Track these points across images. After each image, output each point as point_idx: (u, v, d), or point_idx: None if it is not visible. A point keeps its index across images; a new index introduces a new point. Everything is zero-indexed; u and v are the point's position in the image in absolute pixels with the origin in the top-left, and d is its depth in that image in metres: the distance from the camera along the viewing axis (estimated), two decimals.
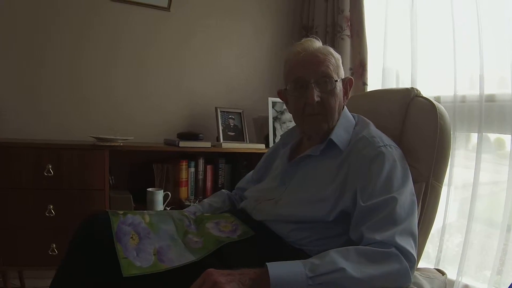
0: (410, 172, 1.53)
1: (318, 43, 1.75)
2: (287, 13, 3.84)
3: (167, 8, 3.47)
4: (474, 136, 2.45)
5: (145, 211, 1.81)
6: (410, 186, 1.49)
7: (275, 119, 3.34)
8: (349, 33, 3.32)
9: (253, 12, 3.74)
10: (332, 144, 1.62)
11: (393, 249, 1.28)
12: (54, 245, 2.68)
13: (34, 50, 3.18)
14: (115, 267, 1.43)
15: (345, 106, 1.76)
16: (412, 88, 1.86)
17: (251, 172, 2.21)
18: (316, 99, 1.61)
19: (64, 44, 3.24)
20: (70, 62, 3.27)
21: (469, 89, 2.49)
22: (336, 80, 1.65)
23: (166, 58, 3.51)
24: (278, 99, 3.16)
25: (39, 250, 2.67)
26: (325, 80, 1.63)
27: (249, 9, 3.73)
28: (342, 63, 1.75)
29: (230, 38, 3.69)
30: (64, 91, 3.26)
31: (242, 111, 3.45)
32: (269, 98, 3.35)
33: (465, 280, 2.41)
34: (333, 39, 3.39)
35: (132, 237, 1.56)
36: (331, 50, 1.72)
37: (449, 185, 2.48)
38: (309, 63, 1.66)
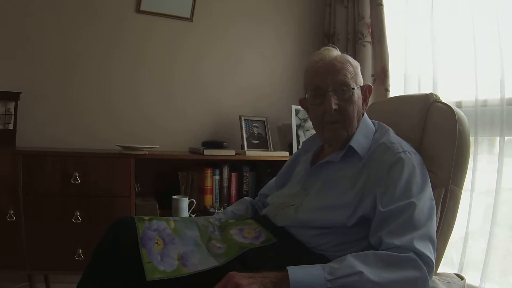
0: (429, 178, 1.53)
1: (336, 52, 1.77)
2: (309, 21, 3.86)
3: (190, 19, 3.53)
4: (497, 141, 2.42)
5: (170, 217, 1.85)
6: (429, 191, 1.49)
7: (298, 126, 3.35)
8: (370, 40, 3.32)
9: (275, 20, 3.78)
10: (351, 151, 1.63)
11: (412, 254, 1.29)
12: (80, 251, 2.74)
13: (64, 61, 3.29)
14: (139, 271, 1.47)
15: (364, 113, 1.77)
16: (431, 93, 1.85)
17: (274, 179, 2.22)
18: (334, 107, 1.63)
19: (92, 55, 3.35)
20: (98, 72, 3.37)
21: (490, 93, 2.46)
22: (353, 88, 1.66)
23: (190, 67, 3.57)
24: (301, 107, 3.21)
25: (66, 255, 2.74)
26: (343, 88, 1.65)
27: (271, 17, 3.77)
28: (364, 69, 1.78)
29: (253, 47, 3.73)
30: (91, 100, 3.36)
31: (266, 119, 3.47)
32: (292, 106, 3.38)
33: (488, 286, 2.38)
34: (354, 46, 3.40)
35: (157, 242, 1.60)
36: (349, 58, 1.74)
37: (472, 190, 2.45)
38: (326, 72, 1.68)
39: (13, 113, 3.00)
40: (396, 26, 3.21)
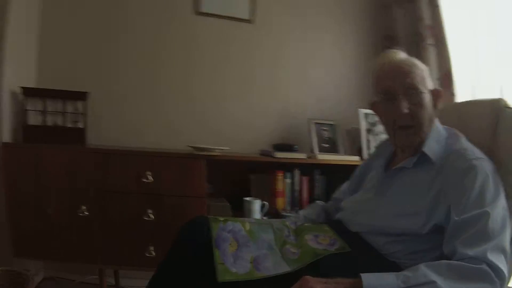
0: (502, 186, 1.50)
1: (402, 55, 1.77)
2: (371, 23, 3.82)
3: (251, 21, 3.58)
4: None
5: (246, 218, 1.88)
6: (502, 200, 1.46)
7: (368, 131, 3.30)
8: (431, 42, 3.22)
9: (337, 22, 3.77)
10: (424, 157, 1.62)
11: (484, 266, 1.27)
12: (151, 248, 2.82)
13: (133, 62, 3.48)
14: (211, 272, 1.52)
15: (436, 118, 1.74)
16: (500, 99, 1.79)
17: (346, 183, 2.23)
18: (405, 111, 1.62)
19: (160, 56, 3.50)
20: (172, 75, 3.50)
21: None
22: (423, 92, 1.64)
23: (256, 70, 3.64)
24: (370, 111, 3.18)
25: (137, 251, 2.83)
26: (412, 92, 1.64)
27: (333, 18, 3.76)
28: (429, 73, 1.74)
29: (318, 49, 3.73)
30: (165, 102, 3.49)
31: (335, 123, 3.45)
32: (360, 109, 3.34)
33: None
34: (416, 49, 3.29)
35: (230, 244, 1.64)
36: (416, 61, 1.72)
37: None
38: (395, 75, 1.68)
39: (82, 112, 3.12)
40: (460, 27, 3.08)
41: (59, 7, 3.40)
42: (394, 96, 1.67)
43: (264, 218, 2.89)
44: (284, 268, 1.55)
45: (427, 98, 1.67)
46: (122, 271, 3.32)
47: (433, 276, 1.24)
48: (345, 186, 2.24)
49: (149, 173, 2.80)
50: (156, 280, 1.69)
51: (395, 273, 1.29)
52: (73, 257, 2.87)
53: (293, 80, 3.67)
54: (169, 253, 1.71)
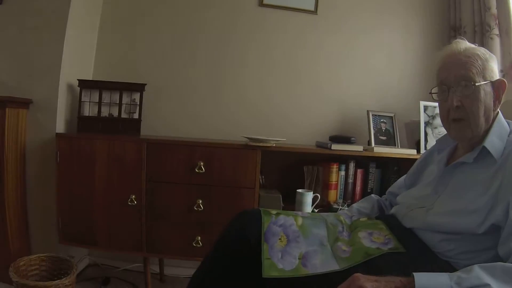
0: None
1: (464, 45, 1.67)
2: (435, 13, 3.69)
3: (315, 12, 3.54)
4: None
5: (299, 212, 1.84)
6: None
7: (426, 124, 3.21)
8: (497, 32, 3.09)
9: (401, 12, 3.65)
10: (485, 152, 1.54)
11: None
12: (199, 238, 2.87)
13: (189, 54, 3.54)
14: (259, 266, 1.50)
15: (499, 112, 1.65)
16: None
17: (403, 177, 2.16)
18: (456, 103, 1.57)
19: (216, 48, 3.52)
20: (226, 67, 3.52)
21: None
22: (477, 83, 1.55)
23: (316, 60, 3.58)
24: (430, 103, 3.09)
25: (184, 241, 2.88)
26: (464, 83, 1.56)
27: (397, 8, 3.65)
28: None
29: (379, 40, 3.63)
30: (220, 93, 3.53)
31: (394, 115, 3.36)
32: (420, 101, 3.24)
33: None
34: (482, 39, 3.18)
35: (280, 239, 1.61)
36: (480, 51, 1.63)
37: None
38: (451, 67, 1.62)
39: (138, 104, 3.20)
40: None
41: (118, 4, 3.52)
42: (448, 88, 1.62)
43: (315, 210, 2.86)
44: (332, 266, 1.51)
45: (484, 90, 1.58)
46: (167, 259, 3.37)
47: (487, 279, 1.18)
48: (401, 180, 2.18)
49: (202, 163, 2.82)
50: (202, 271, 1.68)
51: (448, 273, 1.23)
52: (118, 245, 2.94)
53: (354, 71, 3.61)
54: (217, 244, 1.70)
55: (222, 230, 1.72)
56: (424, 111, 3.23)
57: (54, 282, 2.57)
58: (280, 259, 1.53)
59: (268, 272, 1.48)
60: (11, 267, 2.66)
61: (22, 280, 2.56)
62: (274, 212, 1.74)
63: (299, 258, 1.54)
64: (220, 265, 1.63)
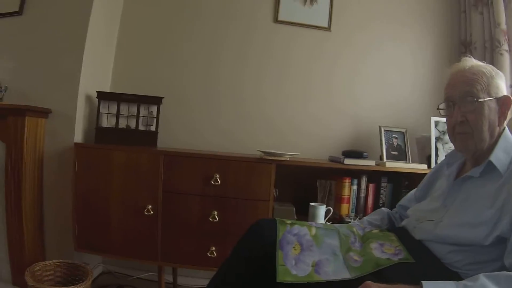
0: None
1: (471, 62, 1.73)
2: (446, 29, 3.73)
3: (328, 28, 3.59)
4: None
5: (313, 222, 1.88)
6: None
7: (437, 139, 3.23)
8: (507, 48, 3.13)
9: (412, 28, 3.69)
10: (491, 167, 1.59)
11: None
12: (213, 248, 2.89)
13: (205, 68, 3.59)
14: (272, 273, 1.54)
15: (505, 128, 1.69)
16: None
17: (413, 191, 2.20)
18: (461, 119, 1.63)
19: (231, 63, 3.59)
20: (242, 82, 3.56)
21: None
22: (480, 100, 1.60)
23: (330, 76, 3.62)
24: (441, 119, 3.13)
25: (198, 251, 2.91)
26: (468, 99, 1.62)
27: (408, 24, 3.69)
28: None
29: (390, 56, 3.67)
30: (235, 107, 3.57)
31: (406, 130, 3.39)
32: (431, 117, 3.27)
33: None
34: (492, 55, 3.21)
35: (294, 247, 1.66)
36: (486, 68, 1.68)
37: None
38: (456, 83, 1.69)
39: (155, 116, 3.24)
40: None
41: (136, 17, 3.60)
42: (453, 104, 1.68)
43: (328, 223, 2.87)
44: (344, 274, 1.55)
45: (489, 105, 1.63)
46: (181, 269, 3.39)
47: (492, 287, 1.23)
48: (411, 193, 2.22)
49: (218, 175, 2.85)
50: (218, 276, 1.74)
51: (455, 282, 1.28)
52: (133, 253, 2.98)
53: (367, 87, 3.64)
54: (234, 250, 1.76)
55: (240, 237, 1.78)
56: (435, 127, 3.25)
57: None
58: (294, 266, 1.58)
59: (282, 277, 1.52)
60: (26, 271, 2.71)
61: (38, 284, 2.61)
62: (289, 222, 1.79)
63: (312, 266, 1.58)
64: (236, 271, 1.69)
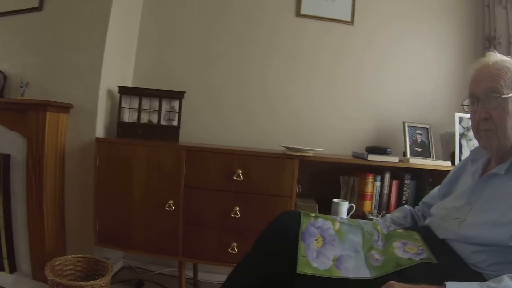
0: None
1: (495, 57, 1.67)
2: (470, 24, 3.67)
3: (351, 22, 3.56)
4: None
5: (338, 217, 1.86)
6: None
7: (461, 135, 3.18)
8: None
9: (436, 23, 3.64)
10: None
11: None
12: (235, 244, 2.89)
13: (228, 63, 3.57)
14: (293, 264, 1.54)
15: None
16: None
17: (437, 187, 2.15)
18: (484, 115, 1.59)
19: (254, 58, 3.57)
20: (268, 76, 3.57)
21: None
22: (504, 96, 1.56)
23: (353, 70, 3.59)
24: (465, 115, 3.08)
25: (219, 247, 2.91)
26: (492, 95, 1.58)
27: (432, 20, 3.63)
28: None
29: (414, 50, 3.62)
30: (258, 102, 3.57)
31: (429, 126, 3.34)
32: (456, 113, 3.22)
33: None
34: None
35: (316, 240, 1.65)
36: (510, 63, 1.62)
37: None
38: (480, 79, 1.64)
39: (177, 111, 3.25)
40: None
41: (157, 12, 3.62)
42: (477, 100, 1.64)
43: (353, 219, 2.85)
44: (364, 273, 1.53)
45: None
46: (201, 265, 3.41)
47: None
48: (435, 191, 2.17)
49: (240, 171, 2.84)
50: (240, 266, 1.74)
51: (479, 283, 1.26)
52: (154, 248, 2.99)
53: (390, 82, 3.60)
54: (257, 240, 1.76)
55: (264, 228, 1.78)
56: (459, 123, 3.21)
57: (90, 282, 2.63)
58: (315, 258, 1.57)
59: (302, 268, 1.52)
60: (46, 266, 2.73)
61: (57, 278, 2.62)
62: (313, 214, 1.78)
63: (333, 260, 1.57)
64: (257, 262, 1.68)
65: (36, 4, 3.21)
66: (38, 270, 3.01)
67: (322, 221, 1.74)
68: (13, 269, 3.16)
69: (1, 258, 3.15)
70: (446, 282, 1.24)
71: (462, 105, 1.78)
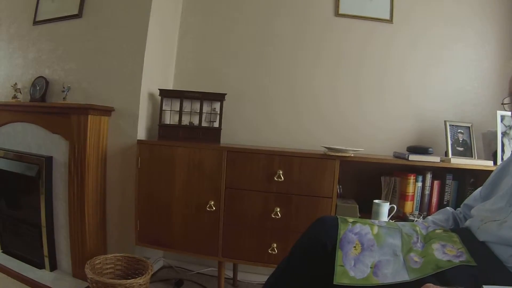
0: None
1: None
2: (509, 21, 3.57)
3: (390, 20, 3.52)
4: None
5: (376, 220, 1.84)
6: None
7: (503, 134, 3.12)
8: None
9: (476, 20, 3.56)
10: None
11: None
12: (275, 245, 2.89)
13: (268, 65, 3.58)
14: (330, 273, 1.53)
15: None
16: None
17: (479, 189, 2.09)
18: None
19: (295, 59, 3.58)
20: (308, 76, 3.57)
21: None
22: None
23: (392, 70, 3.55)
24: (507, 113, 3.01)
25: (259, 247, 2.93)
26: None
27: (473, 16, 3.56)
28: None
29: (455, 48, 3.55)
30: (298, 102, 3.57)
31: (471, 125, 3.28)
32: (497, 111, 3.15)
33: None
34: None
35: (355, 247, 1.62)
36: None
37: None
38: None
39: (218, 113, 3.28)
40: None
41: (196, 14, 3.62)
42: None
43: (391, 221, 2.83)
44: (403, 277, 1.51)
45: None
46: (241, 265, 3.42)
47: None
48: (477, 192, 2.11)
49: (281, 172, 2.85)
50: (276, 273, 1.74)
51: None
52: (194, 248, 3.03)
53: (431, 80, 3.55)
54: (294, 248, 1.74)
55: (301, 235, 1.76)
56: (501, 121, 3.16)
57: (129, 281, 2.68)
58: (353, 267, 1.55)
59: (339, 279, 1.51)
60: (86, 264, 2.80)
61: (97, 277, 2.68)
62: (351, 220, 1.76)
63: (371, 267, 1.55)
64: (295, 268, 1.67)
65: (75, 11, 3.29)
66: (78, 268, 3.11)
67: (360, 226, 1.72)
68: (53, 267, 3.27)
69: (42, 256, 3.26)
70: (484, 286, 1.21)
71: (502, 104, 1.75)
